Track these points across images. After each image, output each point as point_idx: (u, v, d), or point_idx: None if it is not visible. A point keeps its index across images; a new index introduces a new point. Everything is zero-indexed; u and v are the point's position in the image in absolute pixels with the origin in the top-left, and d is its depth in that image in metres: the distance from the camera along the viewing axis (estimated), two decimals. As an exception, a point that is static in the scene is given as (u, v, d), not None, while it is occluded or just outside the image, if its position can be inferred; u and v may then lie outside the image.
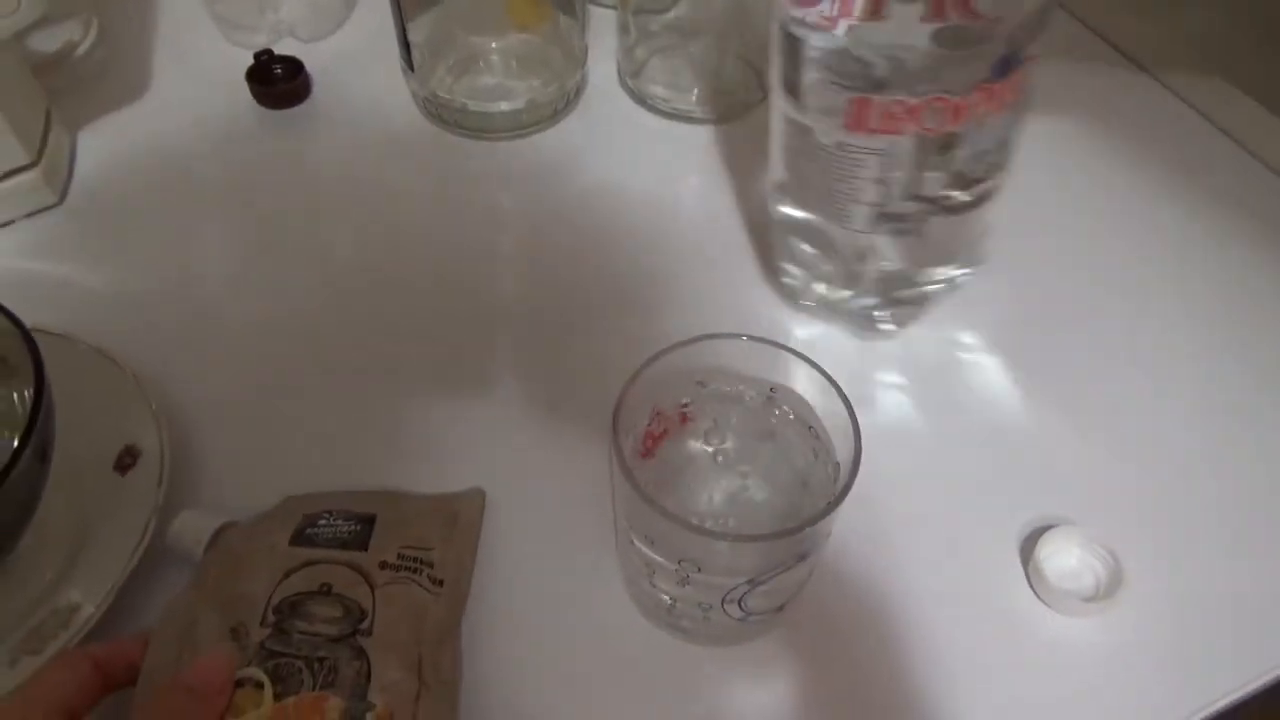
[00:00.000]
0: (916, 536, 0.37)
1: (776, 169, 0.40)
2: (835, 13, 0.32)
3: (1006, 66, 0.32)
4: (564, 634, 0.34)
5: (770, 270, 0.46)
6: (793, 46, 0.34)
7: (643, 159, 0.53)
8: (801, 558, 0.29)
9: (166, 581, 0.35)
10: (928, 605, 0.35)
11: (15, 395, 0.34)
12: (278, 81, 0.54)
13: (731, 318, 0.45)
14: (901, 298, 0.42)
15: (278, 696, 0.28)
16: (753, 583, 0.29)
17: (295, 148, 0.53)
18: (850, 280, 0.41)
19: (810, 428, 0.32)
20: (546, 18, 0.54)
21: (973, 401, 0.42)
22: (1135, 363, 0.44)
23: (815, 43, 0.33)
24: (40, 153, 0.47)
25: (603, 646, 0.34)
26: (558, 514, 0.38)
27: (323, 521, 0.34)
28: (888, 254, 0.39)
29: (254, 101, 0.54)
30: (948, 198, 0.36)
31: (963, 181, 0.36)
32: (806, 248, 0.42)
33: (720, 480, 0.33)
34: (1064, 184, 0.52)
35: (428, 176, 0.52)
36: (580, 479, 0.38)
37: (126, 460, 0.37)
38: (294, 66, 0.54)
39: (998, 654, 0.35)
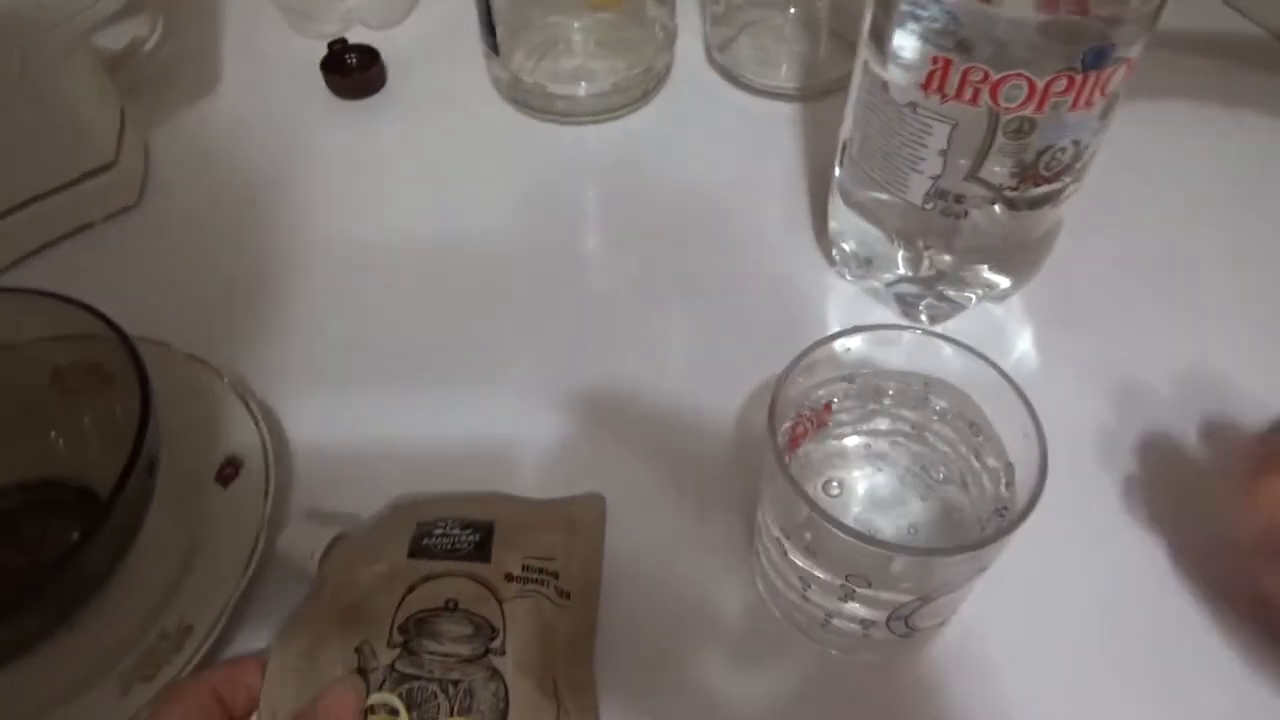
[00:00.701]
0: (1079, 538, 0.34)
1: (847, 124, 0.38)
2: None
3: (1097, 59, 0.30)
4: (699, 645, 0.32)
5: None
6: None
7: (733, 138, 0.50)
8: (981, 570, 0.27)
9: (280, 596, 0.33)
10: (1099, 613, 0.33)
11: (124, 401, 0.33)
12: (353, 71, 0.52)
13: (834, 304, 0.42)
14: (943, 293, 0.39)
15: None
16: (924, 599, 0.27)
17: (374, 138, 0.51)
18: (892, 262, 0.39)
19: (972, 424, 0.30)
20: (628, -4, 0.52)
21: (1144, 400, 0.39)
22: None
23: None
24: (118, 152, 0.46)
25: (742, 657, 0.32)
26: (676, 520, 0.35)
27: (439, 531, 0.32)
28: (934, 240, 0.37)
29: (328, 92, 0.52)
30: (1009, 188, 0.34)
31: (1029, 175, 0.33)
32: (855, 215, 0.39)
33: (867, 480, 0.31)
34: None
35: (513, 164, 0.49)
36: (696, 481, 0.36)
37: (228, 471, 0.36)
38: (369, 55, 0.52)
39: (1179, 662, 0.32)
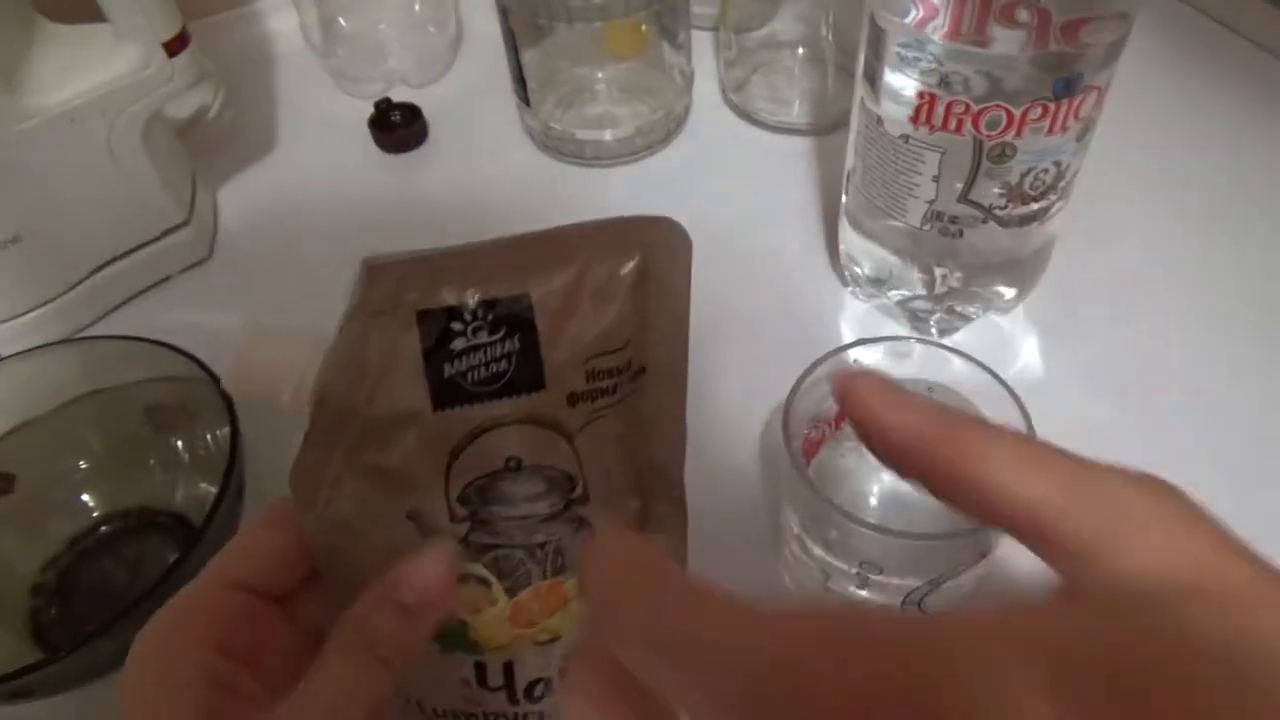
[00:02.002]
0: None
1: (849, 155, 0.42)
2: (916, 20, 0.33)
3: (1067, 88, 0.33)
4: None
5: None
6: (877, 37, 0.35)
7: (750, 173, 0.54)
8: (983, 555, 0.29)
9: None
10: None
11: (211, 435, 0.37)
12: (397, 127, 0.56)
13: (848, 321, 0.46)
14: (952, 307, 0.43)
15: (509, 593, 0.23)
16: (934, 583, 0.29)
17: (419, 188, 0.55)
18: (905, 281, 0.42)
19: (972, 425, 0.33)
20: (646, 45, 0.56)
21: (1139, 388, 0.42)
22: None
23: (899, 37, 0.34)
24: (191, 211, 0.51)
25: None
26: (708, 522, 0.39)
27: (459, 341, 0.22)
28: (941, 259, 0.40)
29: (376, 147, 0.57)
30: (1000, 208, 0.37)
31: (1016, 195, 0.36)
32: (863, 239, 0.43)
33: (881, 480, 0.34)
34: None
35: (546, 206, 0.53)
36: (725, 485, 0.39)
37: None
38: (412, 112, 0.57)
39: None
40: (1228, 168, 0.52)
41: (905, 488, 0.34)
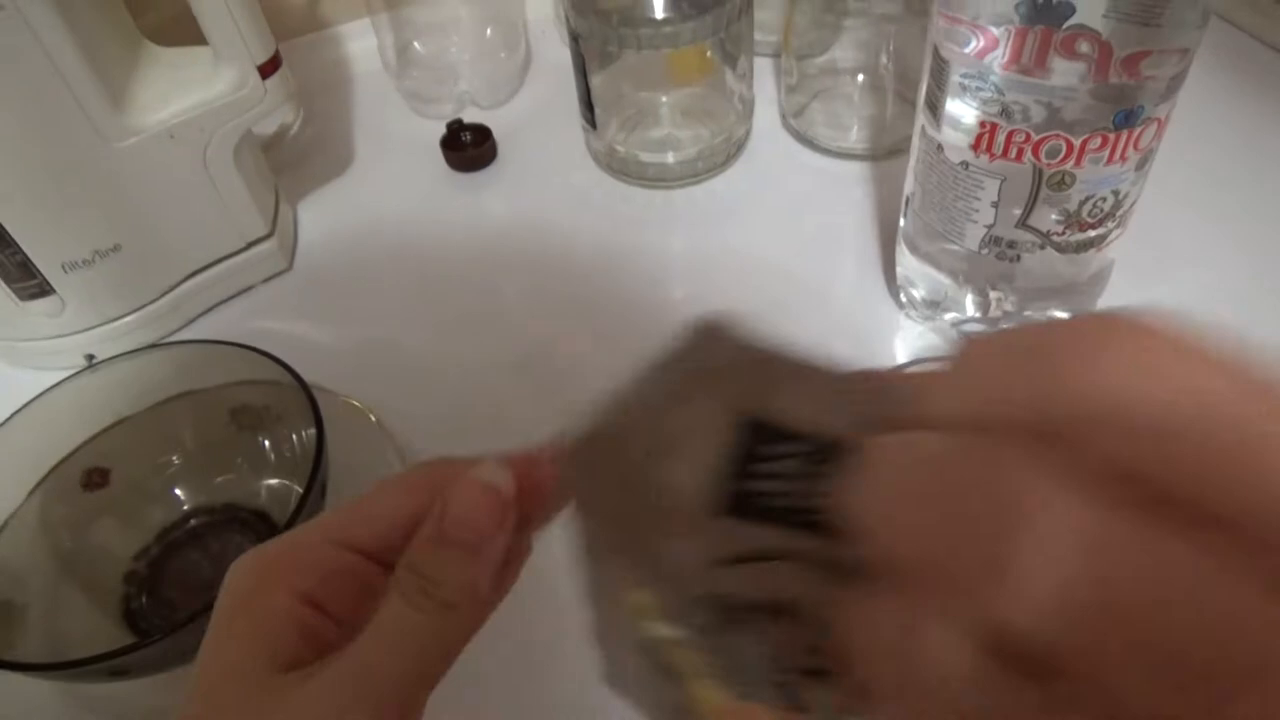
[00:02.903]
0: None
1: (909, 180, 0.43)
2: (977, 50, 0.34)
3: (1127, 119, 0.34)
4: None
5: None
6: (940, 66, 0.36)
7: (808, 196, 0.55)
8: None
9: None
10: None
11: (295, 435, 0.39)
12: (468, 147, 0.59)
13: (902, 342, 0.46)
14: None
15: (740, 696, 0.20)
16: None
17: (487, 206, 0.58)
18: (959, 304, 0.43)
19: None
20: (710, 71, 0.58)
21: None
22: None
23: (960, 67, 0.35)
24: (274, 224, 0.53)
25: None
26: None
27: (777, 457, 0.18)
28: (997, 282, 0.41)
29: (447, 166, 0.59)
30: (1057, 234, 0.38)
31: (1074, 222, 0.37)
32: (920, 262, 0.44)
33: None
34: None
35: (610, 225, 0.55)
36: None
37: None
38: (482, 133, 0.59)
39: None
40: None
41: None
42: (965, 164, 0.37)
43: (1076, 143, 0.34)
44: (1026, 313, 0.42)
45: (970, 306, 0.43)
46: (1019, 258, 0.39)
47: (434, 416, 0.46)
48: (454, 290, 0.53)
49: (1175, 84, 0.34)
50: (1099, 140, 0.34)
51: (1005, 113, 0.35)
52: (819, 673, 0.18)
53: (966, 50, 0.35)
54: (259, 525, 0.41)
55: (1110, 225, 0.38)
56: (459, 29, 0.64)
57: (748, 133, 0.58)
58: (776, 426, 0.18)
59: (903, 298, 0.47)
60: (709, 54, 0.56)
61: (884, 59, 0.57)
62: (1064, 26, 0.31)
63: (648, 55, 0.54)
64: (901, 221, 0.45)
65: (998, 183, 0.37)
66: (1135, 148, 0.35)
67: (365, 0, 0.62)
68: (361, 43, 0.68)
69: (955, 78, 0.36)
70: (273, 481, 0.41)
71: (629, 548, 0.20)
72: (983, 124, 0.36)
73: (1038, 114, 0.34)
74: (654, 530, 0.19)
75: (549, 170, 0.59)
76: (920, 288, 0.45)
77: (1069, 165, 0.35)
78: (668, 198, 0.56)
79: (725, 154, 0.57)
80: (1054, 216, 0.37)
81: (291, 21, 0.66)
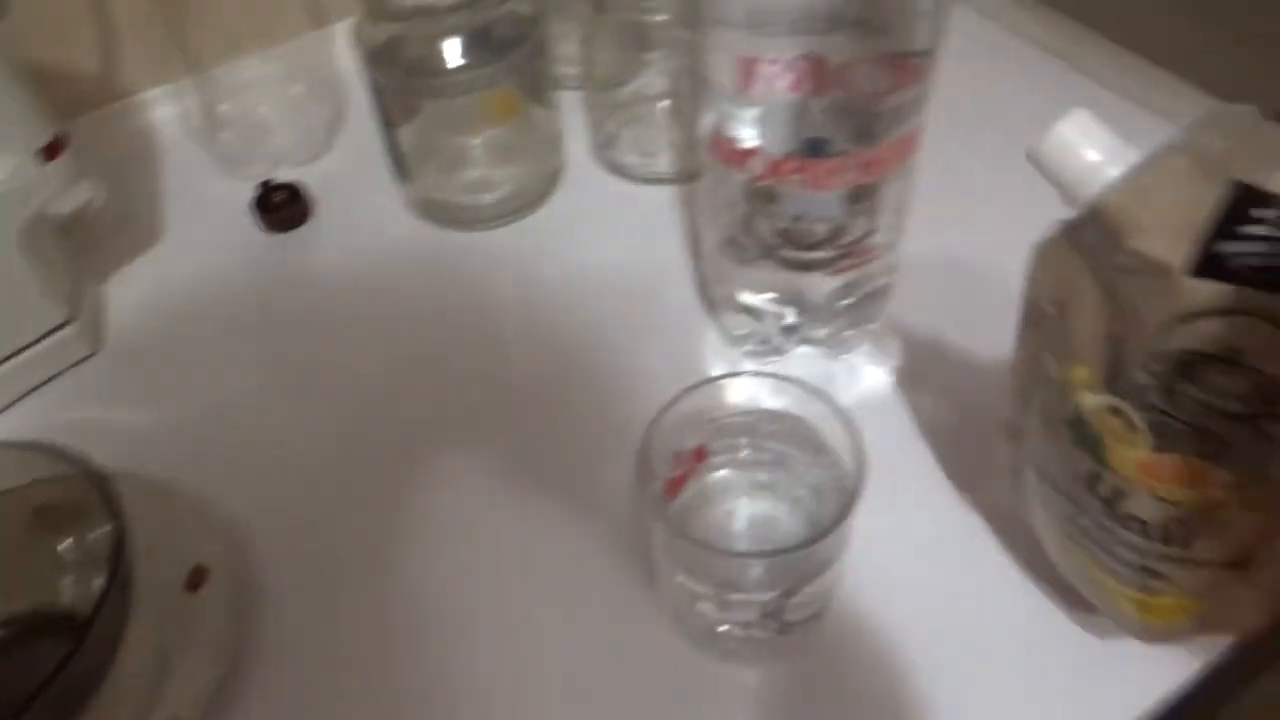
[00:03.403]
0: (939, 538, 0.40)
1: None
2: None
3: (814, 149, 0.36)
4: (610, 671, 0.37)
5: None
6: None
7: (624, 225, 0.57)
8: (826, 565, 0.32)
9: (261, 684, 0.38)
10: (963, 603, 0.38)
11: (99, 530, 0.37)
12: (281, 207, 0.58)
13: (716, 357, 0.48)
14: (807, 337, 0.47)
15: (1155, 449, 0.24)
16: (786, 595, 0.32)
17: (305, 266, 0.57)
18: (759, 316, 0.46)
19: (819, 448, 0.35)
20: (517, 111, 0.59)
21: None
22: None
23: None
24: (75, 308, 0.51)
25: (650, 678, 0.37)
26: (591, 567, 0.41)
27: (1260, 226, 0.21)
28: (785, 297, 0.44)
29: (262, 228, 0.58)
30: (777, 248, 0.41)
31: (790, 239, 0.40)
32: (716, 275, 0.47)
33: (744, 507, 0.36)
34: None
35: (431, 271, 0.55)
36: (604, 529, 0.41)
37: (196, 579, 0.40)
38: (292, 191, 0.58)
39: (1011, 647, 0.37)
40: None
41: (771, 510, 0.36)
42: (708, 165, 0.41)
43: (775, 162, 0.37)
44: (823, 330, 0.45)
45: (771, 320, 0.45)
46: (754, 261, 0.41)
47: (267, 484, 0.45)
48: (279, 355, 0.52)
49: (872, 131, 0.36)
50: (796, 163, 0.36)
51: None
52: (1253, 417, 0.21)
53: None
54: (69, 627, 0.39)
55: (830, 252, 0.40)
56: (267, 87, 0.64)
57: (561, 167, 0.60)
58: (1262, 192, 0.21)
59: (717, 314, 0.49)
60: (515, 94, 0.57)
61: (686, 83, 0.59)
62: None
63: (452, 101, 0.54)
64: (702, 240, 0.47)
65: (726, 188, 0.40)
66: (838, 180, 0.37)
67: (166, 65, 0.61)
68: (166, 108, 0.66)
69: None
70: (82, 581, 0.40)
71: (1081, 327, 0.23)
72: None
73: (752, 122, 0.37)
74: (1124, 291, 0.22)
75: (367, 223, 0.58)
76: (728, 303, 0.47)
77: (772, 182, 0.37)
78: (489, 239, 0.57)
79: (540, 190, 0.58)
80: (768, 231, 0.40)
81: (85, 93, 0.64)
